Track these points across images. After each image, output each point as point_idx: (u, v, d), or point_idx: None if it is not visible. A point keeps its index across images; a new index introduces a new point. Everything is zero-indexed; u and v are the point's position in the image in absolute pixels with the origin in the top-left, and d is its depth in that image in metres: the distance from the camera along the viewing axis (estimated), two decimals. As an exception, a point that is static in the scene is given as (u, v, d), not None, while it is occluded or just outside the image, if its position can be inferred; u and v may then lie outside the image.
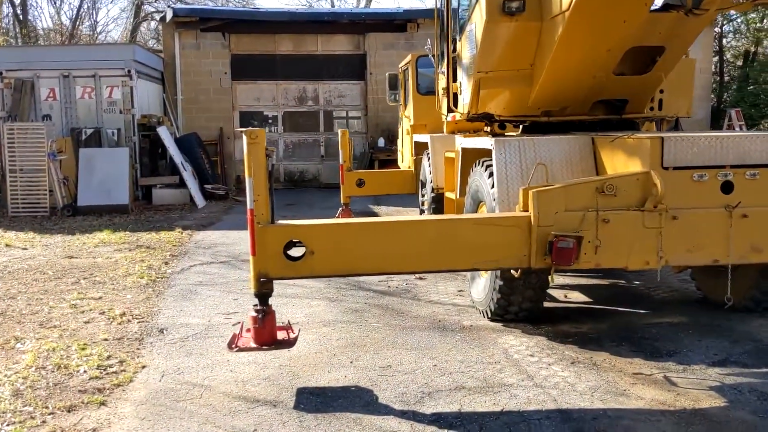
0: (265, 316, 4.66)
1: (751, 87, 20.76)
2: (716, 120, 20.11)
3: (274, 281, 4.74)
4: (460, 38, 6.84)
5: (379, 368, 5.03)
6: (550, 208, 4.67)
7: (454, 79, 7.11)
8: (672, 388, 4.60)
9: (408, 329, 5.98)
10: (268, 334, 4.69)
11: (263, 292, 4.70)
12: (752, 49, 21.75)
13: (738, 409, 4.25)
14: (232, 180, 19.57)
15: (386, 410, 4.30)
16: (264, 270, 4.65)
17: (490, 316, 6.04)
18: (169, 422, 4.18)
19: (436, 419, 4.15)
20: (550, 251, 4.62)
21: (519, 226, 4.69)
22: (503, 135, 6.83)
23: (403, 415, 4.23)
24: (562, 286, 7.29)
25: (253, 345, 4.68)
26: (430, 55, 8.10)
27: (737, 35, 22.79)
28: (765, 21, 21.01)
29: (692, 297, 6.88)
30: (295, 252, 4.75)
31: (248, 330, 4.82)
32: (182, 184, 15.69)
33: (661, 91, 6.67)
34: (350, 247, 4.71)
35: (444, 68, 7.70)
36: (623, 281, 7.71)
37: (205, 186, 16.53)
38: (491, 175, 5.84)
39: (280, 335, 4.80)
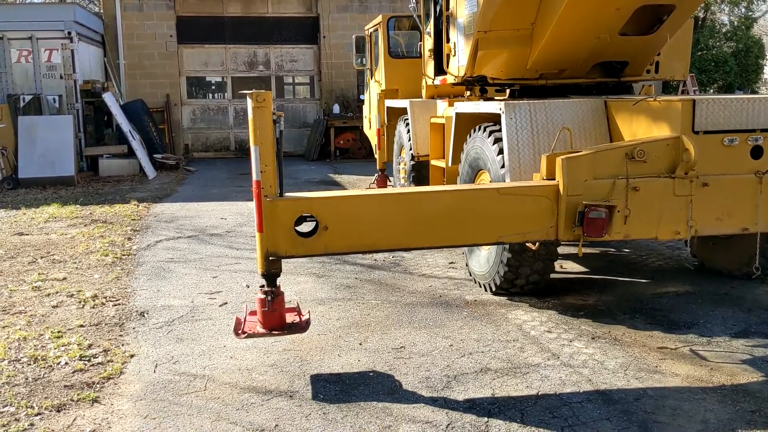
0: (274, 298, 4.23)
1: (700, 53, 20.98)
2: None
3: (284, 260, 4.29)
4: (455, -4, 6.44)
5: (393, 350, 4.69)
6: (579, 176, 4.37)
7: (447, 40, 6.71)
8: (703, 363, 4.41)
9: (410, 306, 5.64)
10: (278, 318, 4.27)
11: (272, 272, 4.24)
12: (701, 15, 21.96)
13: (778, 384, 4.09)
14: (180, 149, 18.77)
15: (414, 398, 3.96)
16: (273, 248, 4.20)
17: (494, 289, 5.76)
18: (176, 420, 3.74)
19: (470, 406, 3.84)
20: (581, 222, 4.32)
21: (547, 196, 4.37)
22: (494, 99, 6.52)
23: (434, 402, 3.90)
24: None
25: (262, 330, 4.25)
26: (414, 15, 7.65)
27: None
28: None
29: (689, 264, 6.76)
30: (305, 227, 4.32)
31: (253, 313, 4.38)
32: (131, 153, 14.87)
33: (659, 54, 6.45)
34: (368, 221, 4.29)
35: (431, 29, 7.30)
36: (613, 249, 7.56)
37: (155, 156, 15.73)
38: (497, 141, 5.51)
39: (289, 318, 4.38)
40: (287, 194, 4.31)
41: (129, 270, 6.97)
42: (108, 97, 14.95)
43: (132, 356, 4.67)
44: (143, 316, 5.52)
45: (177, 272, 6.85)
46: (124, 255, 7.60)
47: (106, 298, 6.00)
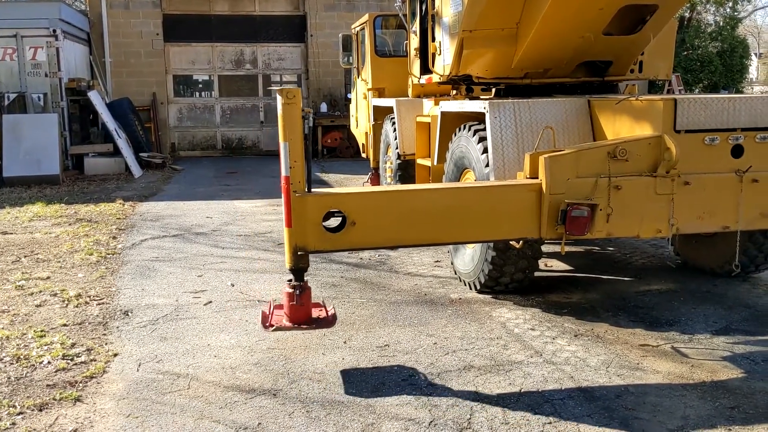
0: (302, 292, 4.27)
1: (686, 53, 21.12)
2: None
3: (311, 254, 4.35)
4: (441, -5, 6.45)
5: (377, 348, 4.70)
6: (562, 175, 4.40)
7: (432, 39, 6.73)
8: (684, 360, 4.45)
9: (395, 304, 5.65)
10: (305, 313, 4.31)
11: (299, 267, 4.31)
12: (687, 15, 22.10)
13: (758, 380, 4.13)
14: (167, 148, 18.69)
15: (397, 396, 3.98)
16: (302, 243, 4.25)
17: (478, 288, 5.79)
18: (159, 419, 3.73)
19: (454, 403, 3.86)
20: (564, 220, 4.35)
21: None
22: (479, 98, 6.54)
23: (418, 400, 3.91)
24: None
25: (288, 324, 4.30)
26: (400, 14, 7.66)
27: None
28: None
29: (671, 262, 6.82)
30: (332, 222, 4.38)
31: (279, 307, 4.45)
32: (117, 152, 14.77)
33: (642, 53, 6.49)
34: (394, 216, 4.37)
35: (417, 27, 7.31)
36: (597, 248, 7.61)
37: (141, 154, 15.64)
38: (481, 140, 5.54)
39: (315, 313, 4.42)
40: (315, 190, 4.36)
41: (113, 269, 6.94)
42: (94, 96, 14.86)
43: (115, 355, 4.65)
44: (127, 315, 5.50)
45: (162, 271, 6.83)
46: (108, 254, 7.56)
47: (90, 297, 5.98)
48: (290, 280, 4.35)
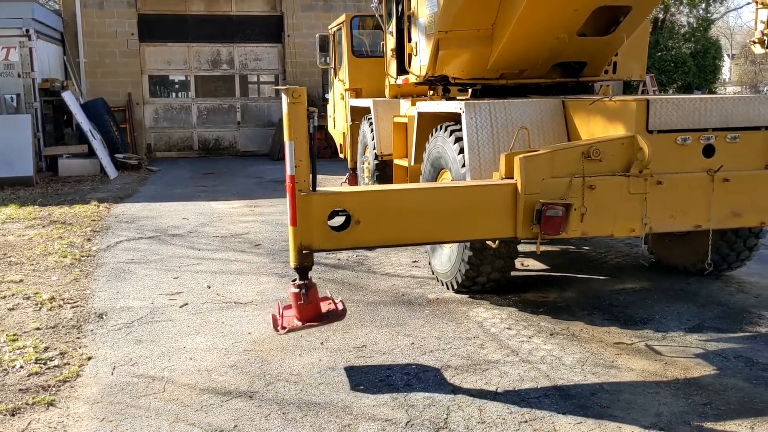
0: (308, 291, 4.28)
1: (660, 54, 21.37)
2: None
3: (315, 253, 4.38)
4: (416, -4, 6.47)
5: (354, 349, 4.70)
6: (537, 175, 4.43)
7: (409, 39, 6.74)
8: (658, 358, 4.50)
9: (373, 305, 5.65)
10: (314, 310, 4.32)
11: (304, 266, 4.31)
12: (661, 16, 22.37)
13: (729, 377, 4.19)
14: (142, 149, 18.53)
15: (374, 396, 3.98)
16: (307, 242, 4.26)
17: (456, 288, 5.80)
18: (134, 422, 3.70)
19: (430, 403, 3.87)
20: (539, 220, 4.38)
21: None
22: (455, 99, 6.57)
23: (394, 400, 3.92)
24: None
25: (299, 323, 4.30)
26: (376, 15, 7.66)
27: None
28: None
29: (645, 261, 6.89)
30: (336, 221, 4.39)
31: (287, 308, 4.46)
32: (91, 153, 14.61)
33: (616, 54, 6.56)
34: (397, 215, 4.41)
35: (393, 28, 7.32)
36: (572, 247, 7.67)
37: (116, 155, 15.49)
38: (458, 140, 5.56)
39: (324, 307, 4.43)
40: (320, 189, 4.38)
41: (88, 271, 6.86)
42: (67, 96, 14.69)
43: (89, 359, 4.61)
44: (102, 318, 5.45)
45: (137, 273, 6.77)
46: (83, 256, 7.48)
47: (63, 300, 5.91)
48: (295, 280, 4.37)
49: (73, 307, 5.72)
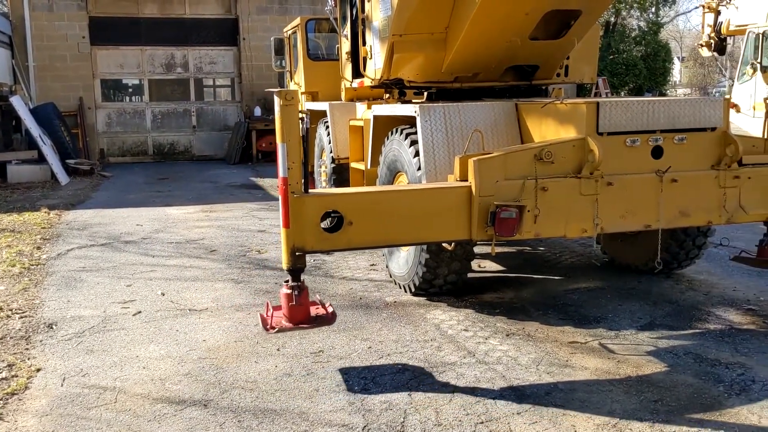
0: (300, 292, 4.25)
1: (612, 56, 21.79)
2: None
3: (307, 254, 4.37)
4: (370, -1, 6.47)
5: (311, 354, 4.67)
6: (491, 177, 4.46)
7: (363, 43, 6.74)
8: (611, 356, 4.57)
9: (329, 309, 5.62)
10: (304, 312, 4.29)
11: (297, 267, 4.30)
12: (612, 20, 22.81)
13: (680, 373, 4.28)
14: (95, 154, 18.17)
15: (331, 401, 3.96)
16: (299, 243, 4.25)
17: (413, 290, 5.81)
18: (84, 435, 3.62)
19: (387, 407, 3.87)
20: (493, 222, 4.41)
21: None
22: (411, 102, 6.60)
23: (351, 405, 3.90)
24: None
25: (288, 324, 4.27)
26: (331, 18, 7.64)
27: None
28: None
29: (597, 261, 7.01)
30: (326, 223, 4.40)
31: (277, 308, 4.42)
32: (42, 159, 14.28)
33: (568, 57, 6.66)
34: (389, 216, 4.43)
35: (348, 31, 7.31)
36: (528, 248, 7.76)
37: (68, 161, 15.16)
38: (413, 143, 5.57)
39: (314, 311, 4.40)
40: (312, 191, 4.38)
41: (37, 280, 6.69)
42: (16, 101, 14.33)
43: (38, 370, 4.48)
44: (51, 328, 5.31)
45: (89, 282, 6.63)
46: (32, 265, 7.29)
47: (11, 310, 5.74)
48: (287, 281, 4.34)
49: (21, 317, 5.57)
